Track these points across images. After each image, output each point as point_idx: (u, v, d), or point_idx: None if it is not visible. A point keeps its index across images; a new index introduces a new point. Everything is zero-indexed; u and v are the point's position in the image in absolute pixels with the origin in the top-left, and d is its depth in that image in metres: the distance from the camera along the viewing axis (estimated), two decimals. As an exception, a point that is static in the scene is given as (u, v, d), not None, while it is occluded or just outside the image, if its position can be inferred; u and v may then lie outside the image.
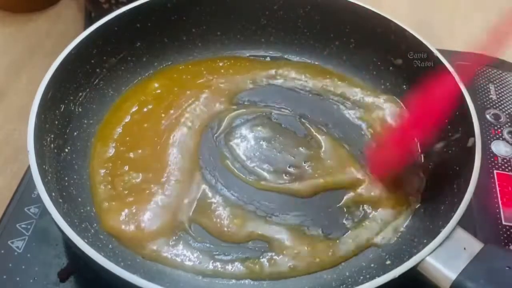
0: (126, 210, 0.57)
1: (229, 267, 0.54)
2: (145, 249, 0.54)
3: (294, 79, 0.72)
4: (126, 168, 0.61)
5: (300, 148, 0.64)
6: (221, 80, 0.72)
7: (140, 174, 0.60)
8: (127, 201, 0.58)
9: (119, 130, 0.65)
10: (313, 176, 0.62)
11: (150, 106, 0.68)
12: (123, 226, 0.56)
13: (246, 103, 0.69)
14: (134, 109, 0.67)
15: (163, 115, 0.67)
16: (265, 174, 0.62)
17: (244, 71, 0.73)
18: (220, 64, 0.74)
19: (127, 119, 0.66)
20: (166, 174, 0.61)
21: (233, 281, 0.53)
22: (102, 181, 0.60)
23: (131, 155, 0.62)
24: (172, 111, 0.67)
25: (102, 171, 0.61)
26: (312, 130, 0.66)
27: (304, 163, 0.63)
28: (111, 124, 0.66)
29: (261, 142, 0.65)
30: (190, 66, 0.73)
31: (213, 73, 0.73)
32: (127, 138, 0.64)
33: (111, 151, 0.63)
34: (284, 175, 0.62)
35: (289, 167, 0.62)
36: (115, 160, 0.62)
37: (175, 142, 0.64)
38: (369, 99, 0.70)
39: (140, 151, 0.63)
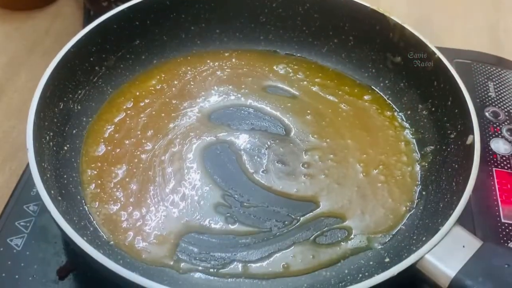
0: (117, 217, 0.57)
1: (227, 265, 0.54)
2: (140, 256, 0.54)
3: (286, 80, 0.72)
4: (113, 172, 0.61)
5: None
6: (221, 75, 0.72)
7: (130, 180, 0.60)
8: (116, 207, 0.58)
9: (110, 127, 0.65)
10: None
11: (147, 101, 0.68)
12: (115, 234, 0.56)
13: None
14: (128, 105, 0.68)
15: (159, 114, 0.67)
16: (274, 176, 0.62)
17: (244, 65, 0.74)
18: (226, 55, 0.75)
19: (121, 115, 0.66)
20: (162, 180, 0.61)
21: (233, 279, 0.53)
22: (90, 181, 0.60)
23: (119, 156, 0.62)
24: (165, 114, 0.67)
25: (90, 171, 0.61)
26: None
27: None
28: (103, 121, 0.66)
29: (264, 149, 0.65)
30: (189, 58, 0.74)
31: (217, 63, 0.74)
32: (117, 135, 0.64)
33: (101, 150, 0.63)
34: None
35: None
36: (102, 161, 0.62)
37: (172, 147, 0.64)
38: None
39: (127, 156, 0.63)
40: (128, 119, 0.66)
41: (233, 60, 0.74)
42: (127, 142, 0.64)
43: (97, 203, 0.58)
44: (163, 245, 0.55)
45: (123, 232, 0.56)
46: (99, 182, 0.59)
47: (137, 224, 0.56)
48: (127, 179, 0.60)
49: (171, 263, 0.54)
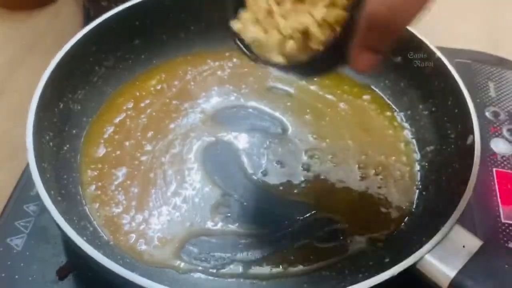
0: (118, 219, 0.57)
1: (227, 265, 0.54)
2: (142, 258, 0.54)
3: (285, 79, 0.72)
4: (113, 174, 0.61)
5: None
6: (221, 75, 0.72)
7: (131, 182, 0.60)
8: (118, 210, 0.58)
9: (110, 128, 0.65)
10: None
11: (147, 101, 0.68)
12: (116, 235, 0.56)
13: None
14: (128, 106, 0.68)
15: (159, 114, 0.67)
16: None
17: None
18: (227, 54, 0.74)
19: (121, 116, 0.66)
20: (163, 182, 0.61)
21: (233, 279, 0.53)
22: (90, 182, 0.60)
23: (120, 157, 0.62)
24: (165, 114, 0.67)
25: (90, 172, 0.60)
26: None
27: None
28: (102, 121, 0.66)
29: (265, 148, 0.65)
30: (189, 58, 0.74)
31: (218, 63, 0.74)
32: (117, 137, 0.64)
33: (101, 151, 0.63)
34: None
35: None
36: (102, 162, 0.62)
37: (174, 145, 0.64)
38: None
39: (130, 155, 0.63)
40: (128, 120, 0.66)
41: (234, 60, 0.74)
42: (127, 143, 0.64)
43: (97, 204, 0.58)
44: (166, 248, 0.55)
45: (125, 234, 0.56)
46: (100, 184, 0.59)
47: (140, 228, 0.56)
48: (128, 182, 0.60)
49: (174, 264, 0.54)
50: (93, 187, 0.59)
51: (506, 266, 0.46)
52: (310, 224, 0.58)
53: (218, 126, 0.66)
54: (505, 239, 0.60)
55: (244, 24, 0.45)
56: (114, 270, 0.45)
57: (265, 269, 0.54)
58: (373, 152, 0.64)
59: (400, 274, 0.46)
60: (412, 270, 0.47)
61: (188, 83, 0.71)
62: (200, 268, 0.54)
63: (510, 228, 0.61)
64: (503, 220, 0.61)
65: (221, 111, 0.68)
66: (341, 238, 0.57)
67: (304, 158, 0.63)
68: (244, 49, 0.46)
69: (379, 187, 0.61)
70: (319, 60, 0.42)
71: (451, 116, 0.61)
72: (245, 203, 0.59)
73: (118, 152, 0.63)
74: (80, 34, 0.63)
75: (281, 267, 0.54)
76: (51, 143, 0.58)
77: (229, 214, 0.58)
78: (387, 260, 0.54)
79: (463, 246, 0.48)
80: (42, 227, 0.58)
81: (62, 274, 0.55)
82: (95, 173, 0.60)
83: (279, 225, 0.57)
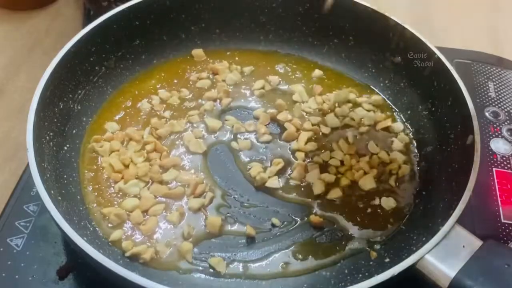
0: (116, 220, 0.56)
1: (227, 265, 0.54)
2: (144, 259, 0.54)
3: (285, 79, 0.72)
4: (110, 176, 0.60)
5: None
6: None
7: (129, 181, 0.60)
8: (115, 208, 0.57)
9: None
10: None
11: (146, 100, 0.68)
12: (115, 237, 0.55)
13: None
14: (128, 104, 0.68)
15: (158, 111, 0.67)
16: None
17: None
18: (228, 54, 0.75)
19: (121, 115, 0.66)
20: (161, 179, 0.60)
21: (232, 279, 0.53)
22: (90, 182, 0.60)
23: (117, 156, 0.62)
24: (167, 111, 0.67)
25: (87, 173, 0.60)
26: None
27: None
28: (102, 120, 0.65)
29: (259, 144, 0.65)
30: (189, 58, 0.74)
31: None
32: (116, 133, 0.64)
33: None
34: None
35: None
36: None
37: (172, 143, 0.64)
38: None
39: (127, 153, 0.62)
40: (128, 118, 0.66)
41: (236, 59, 0.74)
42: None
43: (96, 204, 0.57)
44: (168, 250, 0.55)
45: (118, 243, 0.55)
46: (99, 184, 0.59)
47: (131, 239, 0.56)
48: (123, 188, 0.59)
49: (174, 265, 0.54)
50: (82, 189, 0.59)
51: (506, 266, 0.46)
52: (310, 224, 0.58)
53: (219, 126, 0.66)
54: (505, 238, 0.60)
55: None
56: (114, 270, 0.45)
57: (265, 269, 0.54)
58: (373, 152, 0.64)
59: (400, 274, 0.46)
60: (412, 270, 0.47)
61: (188, 83, 0.71)
62: (200, 268, 0.54)
63: (510, 228, 0.61)
64: (503, 220, 0.61)
65: (221, 111, 0.68)
66: (341, 238, 0.57)
67: (304, 158, 0.63)
68: None
69: (379, 187, 0.61)
70: None
71: (451, 116, 0.61)
72: (245, 203, 0.59)
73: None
74: (81, 34, 0.63)
75: (281, 267, 0.54)
76: (51, 143, 0.58)
77: (229, 214, 0.58)
78: (387, 260, 0.54)
79: (463, 246, 0.48)
80: (42, 227, 0.58)
81: (62, 273, 0.55)
82: (82, 175, 0.60)
83: (279, 225, 0.57)
